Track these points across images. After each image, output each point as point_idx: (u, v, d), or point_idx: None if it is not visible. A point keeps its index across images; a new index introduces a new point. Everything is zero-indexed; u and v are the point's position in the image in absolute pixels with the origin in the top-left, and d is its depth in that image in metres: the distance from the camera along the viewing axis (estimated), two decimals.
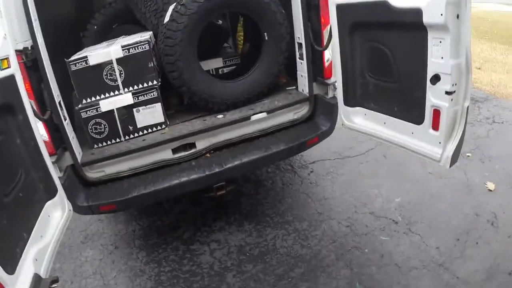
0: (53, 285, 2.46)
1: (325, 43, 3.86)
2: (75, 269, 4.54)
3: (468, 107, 2.80)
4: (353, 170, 5.56)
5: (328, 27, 3.68)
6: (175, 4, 3.90)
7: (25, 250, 2.49)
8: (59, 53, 3.78)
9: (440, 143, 2.91)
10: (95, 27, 4.91)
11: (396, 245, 4.18)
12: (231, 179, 4.14)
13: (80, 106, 3.88)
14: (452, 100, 2.72)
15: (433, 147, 2.98)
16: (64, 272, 4.48)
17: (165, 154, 3.97)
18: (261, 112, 4.12)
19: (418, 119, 3.03)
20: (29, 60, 3.20)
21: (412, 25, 2.75)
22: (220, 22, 4.78)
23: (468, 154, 5.47)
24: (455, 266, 3.85)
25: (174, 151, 3.99)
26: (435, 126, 2.91)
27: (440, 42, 2.63)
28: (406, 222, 4.46)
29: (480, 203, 4.60)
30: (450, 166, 2.95)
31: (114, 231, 5.11)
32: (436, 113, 2.85)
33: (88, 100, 3.89)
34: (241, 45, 5.98)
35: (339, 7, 3.37)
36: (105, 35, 4.91)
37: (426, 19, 2.62)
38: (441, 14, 2.49)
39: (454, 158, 2.91)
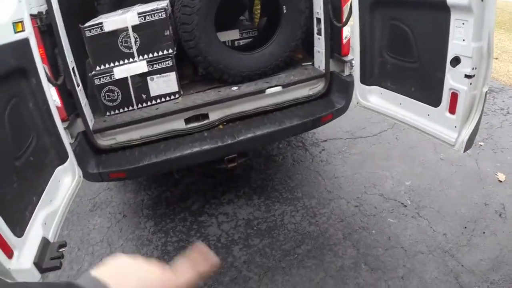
0: (61, 249, 2.47)
1: (344, 20, 3.79)
2: (83, 236, 4.58)
3: (486, 92, 2.75)
4: (365, 151, 5.54)
5: (349, 3, 3.62)
6: None
7: (34, 214, 2.50)
8: (74, 19, 3.75)
9: (455, 127, 2.88)
10: None
11: (403, 229, 4.16)
12: (243, 152, 4.12)
13: (93, 72, 3.85)
14: (471, 84, 2.68)
15: (448, 131, 2.94)
16: (72, 239, 4.52)
17: (178, 124, 3.95)
18: (276, 85, 4.08)
19: (435, 101, 2.99)
20: (44, 24, 3.17)
21: (435, 5, 2.69)
22: None
23: (480, 143, 5.41)
24: (461, 254, 3.83)
25: (187, 121, 3.97)
26: (452, 109, 2.86)
27: (463, 23, 2.57)
28: (415, 206, 4.44)
29: (490, 193, 4.56)
30: (464, 151, 2.91)
31: (122, 200, 5.14)
32: (454, 96, 2.81)
33: (102, 67, 3.86)
34: (257, 18, 5.91)
35: None
36: (120, 3, 4.86)
37: None
38: None
39: (469, 144, 2.87)
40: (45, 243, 2.44)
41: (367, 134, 5.88)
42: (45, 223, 2.55)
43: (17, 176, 2.42)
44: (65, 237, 4.50)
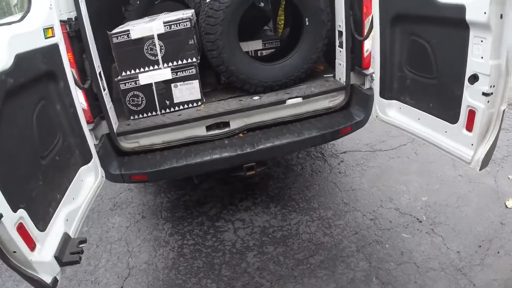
0: (81, 245, 2.56)
1: (365, 33, 3.83)
2: (102, 234, 4.71)
3: (504, 110, 2.74)
4: (383, 164, 5.54)
5: (370, 17, 3.66)
6: None
7: (57, 210, 2.61)
8: (102, 25, 3.88)
9: (472, 144, 2.86)
10: (138, 2, 4.97)
11: (417, 244, 4.15)
12: (261, 160, 4.18)
13: (119, 77, 3.98)
14: (488, 102, 2.67)
15: (465, 148, 2.93)
16: (91, 236, 4.65)
17: (199, 131, 4.04)
18: (297, 97, 4.14)
19: (452, 118, 2.99)
20: (73, 30, 3.31)
21: (455, 22, 2.69)
22: (262, 4, 4.79)
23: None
24: (473, 273, 3.78)
25: (208, 128, 4.06)
26: (469, 127, 2.85)
27: (482, 41, 2.58)
28: (430, 222, 4.41)
29: (507, 212, 4.48)
30: (480, 170, 2.89)
31: (142, 201, 5.26)
32: (471, 113, 2.80)
33: (128, 72, 3.99)
34: (281, 29, 5.98)
35: None
36: (147, 10, 5.00)
37: (469, 16, 2.57)
38: (485, 13, 2.44)
39: (485, 162, 2.85)
40: (66, 238, 2.55)
41: (386, 148, 5.89)
42: (67, 220, 2.66)
43: (43, 174, 2.54)
44: (84, 233, 4.63)
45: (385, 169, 5.43)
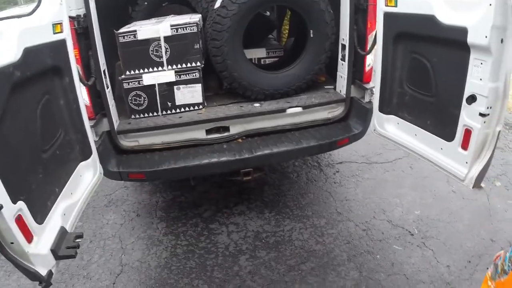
0: (77, 240, 2.61)
1: (368, 48, 3.90)
2: (96, 230, 4.74)
3: (499, 132, 2.78)
4: (378, 177, 5.58)
5: (374, 32, 3.72)
6: None
7: (55, 204, 2.65)
8: (108, 23, 3.93)
9: (466, 162, 2.91)
10: (146, 3, 5.02)
11: (408, 257, 4.18)
12: (259, 166, 4.22)
13: (123, 76, 4.03)
14: (484, 122, 2.71)
15: (459, 166, 2.98)
16: (85, 231, 4.65)
17: (199, 134, 4.09)
18: (297, 106, 4.19)
19: (449, 136, 3.04)
20: (81, 27, 3.37)
21: (456, 43, 2.75)
22: (268, 13, 4.84)
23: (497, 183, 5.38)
24: (462, 287, 3.82)
25: (208, 132, 4.12)
26: (465, 145, 2.90)
27: (481, 63, 2.62)
28: (422, 236, 4.45)
29: (498, 229, 4.52)
30: (473, 187, 2.94)
31: (138, 199, 5.30)
32: (468, 133, 2.85)
33: (132, 72, 4.04)
34: (285, 38, 6.04)
35: (387, 15, 3.40)
36: (154, 11, 5.04)
37: (471, 39, 2.62)
38: (486, 36, 2.49)
39: (478, 180, 2.90)
40: (62, 232, 2.59)
41: (382, 160, 5.93)
42: (64, 214, 2.70)
43: (43, 168, 2.58)
44: (79, 228, 4.63)
45: (380, 181, 5.48)
